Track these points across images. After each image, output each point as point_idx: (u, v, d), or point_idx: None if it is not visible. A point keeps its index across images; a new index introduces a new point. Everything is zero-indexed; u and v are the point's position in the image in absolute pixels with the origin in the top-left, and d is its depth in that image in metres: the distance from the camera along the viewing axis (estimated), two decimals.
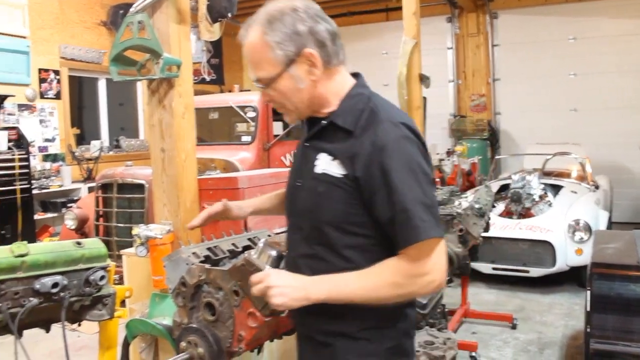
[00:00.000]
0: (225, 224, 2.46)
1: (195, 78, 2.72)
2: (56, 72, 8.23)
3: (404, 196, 1.42)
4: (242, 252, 2.12)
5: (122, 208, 5.14)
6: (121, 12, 9.01)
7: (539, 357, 4.26)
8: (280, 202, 1.95)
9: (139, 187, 5.03)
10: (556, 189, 6.72)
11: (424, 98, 7.27)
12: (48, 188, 7.61)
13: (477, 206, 4.24)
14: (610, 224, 6.59)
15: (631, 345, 2.90)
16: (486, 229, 4.35)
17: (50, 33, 8.11)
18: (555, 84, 10.00)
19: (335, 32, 1.55)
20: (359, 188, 1.47)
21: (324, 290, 1.45)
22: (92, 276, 1.98)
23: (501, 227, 5.79)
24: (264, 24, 1.50)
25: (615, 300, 2.97)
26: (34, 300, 1.92)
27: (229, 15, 2.66)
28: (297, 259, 1.62)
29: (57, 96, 8.26)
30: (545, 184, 6.57)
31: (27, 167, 6.87)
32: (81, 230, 5.41)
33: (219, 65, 11.44)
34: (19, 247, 2.09)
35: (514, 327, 4.77)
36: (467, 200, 4.40)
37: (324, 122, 1.56)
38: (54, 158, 8.13)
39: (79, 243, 2.07)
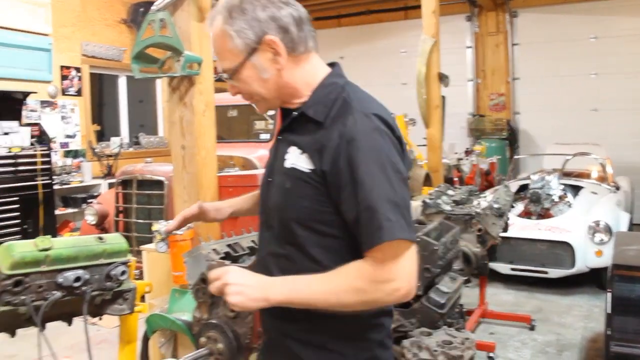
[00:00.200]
0: (246, 220, 2.47)
1: (215, 75, 2.73)
2: (77, 70, 8.33)
3: (370, 193, 1.31)
4: None
5: (141, 204, 5.19)
6: (141, 9, 9.09)
7: (558, 359, 4.23)
8: (257, 202, 1.83)
9: (159, 184, 5.07)
10: (576, 189, 6.66)
11: (443, 97, 7.24)
12: (69, 184, 7.71)
13: (496, 206, 4.22)
14: (632, 226, 6.52)
15: None
16: (505, 229, 4.33)
17: (72, 31, 8.20)
18: (575, 84, 9.90)
19: (302, 17, 1.44)
20: (327, 183, 1.37)
21: (284, 291, 1.35)
22: (113, 271, 2.00)
23: (520, 227, 5.75)
24: (224, 13, 1.42)
25: (636, 303, 2.93)
26: (57, 294, 1.95)
27: None
28: (267, 259, 1.53)
29: (78, 93, 8.36)
30: (564, 185, 6.51)
31: (49, 162, 6.97)
32: (101, 225, 5.47)
33: None
34: (43, 241, 2.12)
35: (532, 328, 4.74)
36: (485, 200, 4.37)
37: (294, 113, 1.46)
38: (74, 154, 8.22)
39: (100, 238, 2.10)
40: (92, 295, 2.07)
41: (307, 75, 1.47)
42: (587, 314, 5.13)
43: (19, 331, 2.10)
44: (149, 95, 10.19)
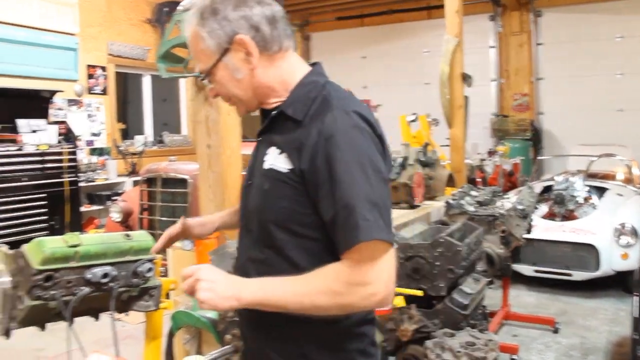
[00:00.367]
0: None
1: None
2: (103, 69, 8.45)
3: (347, 191, 1.25)
4: None
5: (165, 202, 5.25)
6: (165, 9, 9.19)
7: None
8: None
9: (182, 182, 5.13)
10: (601, 191, 6.57)
11: (466, 97, 7.20)
12: (94, 181, 7.83)
13: (520, 207, 4.19)
14: None
15: None
16: (528, 231, 4.29)
17: (98, 30, 8.33)
18: (601, 84, 9.78)
19: (276, 16, 1.40)
20: (305, 183, 1.32)
21: (257, 291, 1.31)
22: (139, 268, 2.02)
23: (544, 229, 5.69)
24: (197, 14, 1.40)
25: None
26: (85, 289, 1.98)
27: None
28: (246, 264, 1.49)
29: (104, 92, 8.48)
30: (589, 186, 6.43)
31: (75, 160, 7.09)
32: (126, 223, 5.54)
33: None
34: (72, 237, 2.16)
35: (555, 331, 4.69)
36: (509, 201, 4.35)
37: (274, 112, 1.43)
38: (100, 152, 8.35)
39: (127, 235, 2.13)
40: (119, 292, 2.10)
41: (283, 74, 1.44)
42: (613, 317, 5.06)
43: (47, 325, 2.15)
44: (173, 94, 10.29)
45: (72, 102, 8.01)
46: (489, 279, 3.61)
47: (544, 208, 6.20)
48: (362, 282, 1.25)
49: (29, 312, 2.01)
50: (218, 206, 2.46)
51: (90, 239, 2.11)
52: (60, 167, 6.95)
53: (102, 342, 2.75)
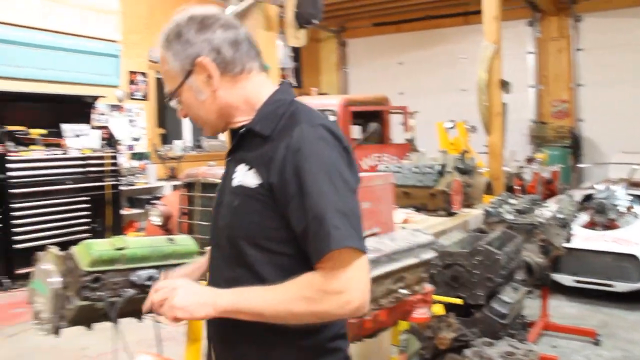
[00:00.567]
0: None
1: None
2: (144, 75, 8.62)
3: (317, 202, 1.26)
4: None
5: (204, 207, 5.31)
6: None
7: None
8: None
9: None
10: None
11: (504, 104, 7.13)
12: (134, 185, 7.99)
13: (560, 216, 4.13)
14: None
15: None
16: (568, 240, 4.23)
17: (139, 37, 8.51)
18: None
19: (238, 39, 1.43)
20: (274, 197, 1.33)
21: (232, 298, 1.33)
22: None
23: (584, 238, 5.58)
24: (163, 38, 1.45)
25: None
26: (131, 291, 2.03)
27: (315, 22, 2.72)
28: (218, 283, 1.45)
29: (144, 97, 8.66)
30: (632, 195, 6.29)
31: (116, 164, 7.26)
32: (165, 226, 5.63)
33: (298, 69, 11.63)
34: (118, 241, 2.22)
35: (597, 343, 4.60)
36: (548, 209, 4.28)
37: (242, 130, 1.45)
38: (140, 156, 8.51)
39: (171, 239, 2.18)
40: None
41: (247, 94, 1.45)
42: None
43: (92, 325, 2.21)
44: None
45: (114, 107, 8.20)
46: (528, 289, 3.57)
47: (584, 217, 6.08)
48: (336, 290, 1.26)
49: (78, 312, 2.08)
50: None
51: (135, 243, 2.17)
52: (102, 171, 7.13)
53: (144, 343, 2.80)
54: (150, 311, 1.42)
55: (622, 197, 6.06)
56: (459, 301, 2.81)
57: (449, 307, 2.84)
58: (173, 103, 1.51)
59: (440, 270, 2.91)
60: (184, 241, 2.23)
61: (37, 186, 6.56)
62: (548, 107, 10.71)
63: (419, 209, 4.40)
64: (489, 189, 5.94)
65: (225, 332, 1.41)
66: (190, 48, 1.41)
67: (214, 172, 5.40)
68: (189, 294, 1.34)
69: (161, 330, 1.93)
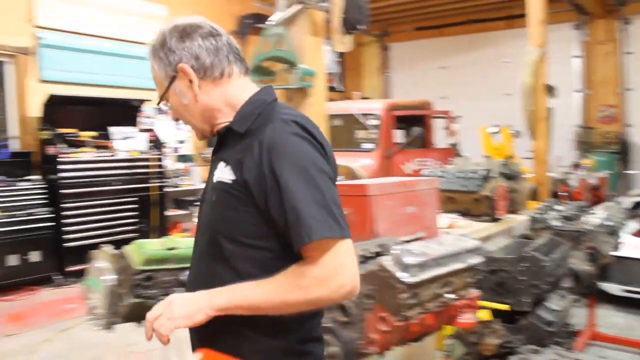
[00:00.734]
0: (355, 230, 2.53)
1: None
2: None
3: (293, 196, 1.32)
4: (373, 257, 2.18)
5: None
6: (248, 21, 9.47)
7: None
8: None
9: None
10: None
11: (550, 109, 7.00)
12: (179, 187, 8.15)
13: (608, 223, 4.04)
14: None
15: None
16: (616, 248, 4.13)
17: None
18: None
19: (217, 46, 1.51)
20: (250, 192, 1.39)
21: (227, 296, 1.39)
22: None
23: (634, 246, 5.44)
24: (150, 47, 1.55)
25: None
26: (180, 290, 2.08)
27: (361, 27, 2.74)
28: (196, 277, 1.56)
29: None
30: None
31: (162, 166, 7.43)
32: None
33: (341, 73, 11.67)
34: (169, 241, 2.29)
35: None
36: (596, 216, 4.20)
37: (222, 130, 1.53)
38: (185, 159, 8.68)
39: None
40: None
41: (228, 96, 1.52)
42: None
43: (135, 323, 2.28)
44: None
45: (160, 110, 8.38)
46: (575, 297, 3.51)
47: (633, 225, 5.93)
48: (325, 276, 1.32)
49: (130, 309, 2.15)
50: None
51: (185, 243, 2.23)
52: (148, 173, 7.30)
53: (187, 341, 2.87)
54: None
55: None
56: (505, 307, 2.78)
57: (494, 313, 2.82)
58: (163, 106, 1.64)
59: (486, 275, 2.89)
60: None
61: (87, 187, 6.78)
62: (595, 112, 10.47)
63: (463, 214, 4.36)
64: (533, 195, 5.84)
65: (203, 330, 1.45)
66: (172, 55, 1.50)
67: None
68: (185, 303, 1.41)
69: None
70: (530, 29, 6.73)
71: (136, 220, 7.12)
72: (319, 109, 2.62)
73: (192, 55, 1.49)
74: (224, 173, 1.45)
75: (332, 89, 4.08)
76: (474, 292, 2.26)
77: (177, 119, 1.62)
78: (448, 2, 10.60)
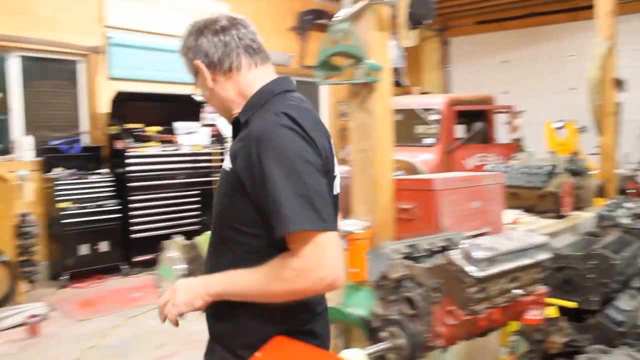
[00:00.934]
0: (419, 224, 2.55)
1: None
2: None
3: (275, 187, 1.35)
4: (440, 252, 2.19)
5: None
6: (308, 17, 9.54)
7: None
8: None
9: None
10: None
11: (619, 103, 6.76)
12: None
13: None
14: None
15: None
16: None
17: None
18: None
19: (226, 41, 1.59)
20: (242, 182, 1.45)
21: (221, 282, 1.49)
22: None
23: None
24: (178, 46, 1.68)
25: None
26: None
27: (427, 22, 2.74)
28: (209, 263, 1.65)
29: None
30: None
31: (223, 160, 7.58)
32: None
33: (405, 68, 11.61)
34: None
35: None
36: None
37: (233, 121, 1.62)
38: None
39: None
40: None
41: (240, 88, 1.60)
42: None
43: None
44: (312, 99, 10.66)
45: None
46: None
47: None
48: (306, 268, 1.35)
49: None
50: (371, 208, 2.56)
51: None
52: (210, 167, 7.48)
53: None
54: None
55: None
56: (574, 305, 2.73)
57: (561, 311, 2.77)
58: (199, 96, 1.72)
59: (552, 272, 2.85)
60: None
61: (152, 180, 7.01)
62: None
63: (527, 210, 4.29)
64: (600, 192, 5.68)
65: (209, 312, 1.61)
66: (190, 53, 1.63)
67: None
68: (187, 290, 1.54)
69: None
70: (598, 21, 6.51)
71: (199, 212, 7.32)
72: (385, 104, 2.64)
73: (203, 52, 1.60)
74: (226, 162, 1.53)
75: (396, 83, 4.07)
76: (542, 289, 2.23)
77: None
78: None
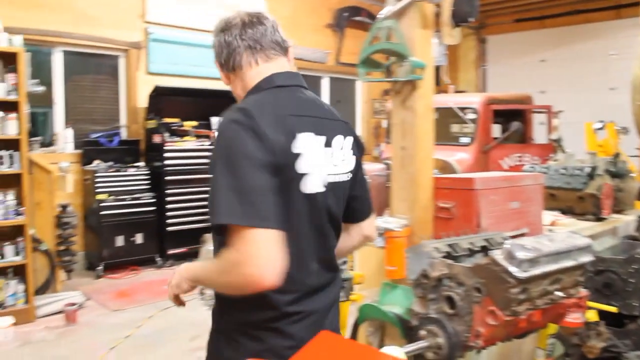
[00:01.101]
0: (458, 223, 2.54)
1: None
2: None
3: (215, 180, 1.40)
4: (479, 251, 2.18)
5: None
6: (345, 14, 9.53)
7: None
8: None
9: None
10: None
11: None
12: None
13: None
14: None
15: None
16: None
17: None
18: None
19: (228, 40, 1.65)
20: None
21: (192, 269, 1.61)
22: None
23: None
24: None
25: None
26: None
27: (471, 19, 2.72)
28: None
29: None
30: None
31: None
32: None
33: (447, 66, 11.53)
34: None
35: None
36: None
37: None
38: None
39: None
40: None
41: (245, 84, 1.66)
42: None
43: None
44: (348, 96, 10.65)
45: None
46: None
47: None
48: (236, 261, 1.36)
49: None
50: (410, 207, 2.56)
51: None
52: None
53: None
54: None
55: None
56: (612, 309, 2.69)
57: (600, 315, 2.73)
58: None
59: (592, 276, 2.81)
60: None
61: (188, 174, 7.10)
62: None
63: (564, 211, 4.23)
64: None
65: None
66: (213, 53, 1.73)
67: None
68: (178, 273, 1.66)
69: None
70: None
71: None
72: (427, 102, 2.63)
73: (216, 53, 1.70)
74: None
75: (436, 82, 4.06)
76: (583, 292, 2.21)
77: None
78: None
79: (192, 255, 6.35)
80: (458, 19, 2.67)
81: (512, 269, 1.72)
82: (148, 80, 7.44)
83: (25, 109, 5.12)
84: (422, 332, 1.93)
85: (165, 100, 7.30)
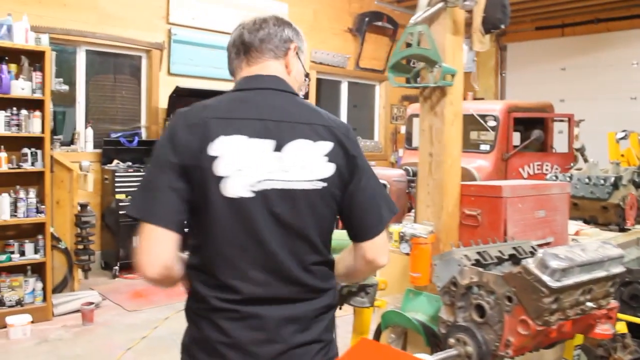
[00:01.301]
0: (484, 231, 2.51)
1: None
2: (307, 75, 8.99)
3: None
4: (508, 260, 2.16)
5: None
6: (366, 19, 9.53)
7: None
8: None
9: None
10: None
11: None
12: None
13: None
14: None
15: None
16: None
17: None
18: None
19: (228, 48, 1.75)
20: None
21: None
22: None
23: None
24: None
25: None
26: None
27: (502, 26, 2.70)
28: None
29: (306, 96, 9.03)
30: None
31: None
32: None
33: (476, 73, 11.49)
34: None
35: None
36: None
37: None
38: None
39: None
40: (342, 285, 2.27)
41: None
42: None
43: None
44: (366, 100, 10.63)
45: None
46: None
47: None
48: (134, 249, 1.48)
49: None
50: (436, 213, 2.54)
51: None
52: None
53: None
54: None
55: None
56: None
57: (628, 327, 2.69)
58: None
59: (618, 287, 2.77)
60: (343, 236, 2.32)
61: None
62: None
63: (586, 221, 4.19)
64: None
65: None
66: None
67: (376, 172, 5.53)
68: None
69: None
70: None
71: None
72: (456, 109, 2.61)
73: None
74: None
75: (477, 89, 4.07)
76: (613, 303, 2.18)
77: None
78: (573, 0, 10.12)
79: None
80: (489, 26, 2.66)
81: (545, 278, 1.70)
82: (169, 81, 7.49)
83: (49, 107, 5.17)
84: (452, 340, 1.91)
85: (186, 101, 7.28)
